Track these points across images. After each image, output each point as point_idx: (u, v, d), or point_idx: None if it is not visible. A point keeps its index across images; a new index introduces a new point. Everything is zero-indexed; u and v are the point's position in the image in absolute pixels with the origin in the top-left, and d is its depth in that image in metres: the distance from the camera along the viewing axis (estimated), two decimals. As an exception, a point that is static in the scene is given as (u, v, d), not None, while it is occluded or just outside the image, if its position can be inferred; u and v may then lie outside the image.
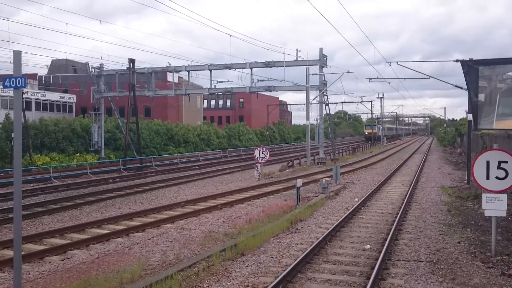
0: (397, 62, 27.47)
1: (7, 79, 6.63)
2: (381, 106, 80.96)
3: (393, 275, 9.08)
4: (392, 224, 13.28)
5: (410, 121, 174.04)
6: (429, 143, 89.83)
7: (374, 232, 12.84)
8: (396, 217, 14.37)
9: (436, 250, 10.86)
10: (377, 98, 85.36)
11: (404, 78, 36.74)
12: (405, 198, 18.32)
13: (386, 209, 16.55)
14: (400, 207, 16.10)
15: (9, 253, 11.11)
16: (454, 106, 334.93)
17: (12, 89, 6.63)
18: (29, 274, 9.29)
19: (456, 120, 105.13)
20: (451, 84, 26.00)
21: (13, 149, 6.64)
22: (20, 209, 6.72)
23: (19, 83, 6.55)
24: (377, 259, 9.65)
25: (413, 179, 24.98)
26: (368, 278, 8.54)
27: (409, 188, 21.21)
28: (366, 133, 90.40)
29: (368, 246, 11.21)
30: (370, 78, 38.41)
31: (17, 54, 6.64)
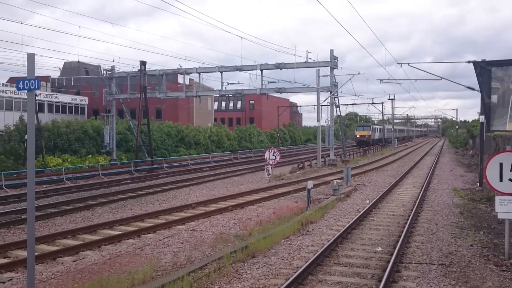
0: (408, 64, 27.33)
1: (21, 81, 6.71)
2: (392, 108, 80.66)
3: (405, 277, 9.02)
4: (404, 227, 13.19)
5: (421, 123, 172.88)
6: (441, 145, 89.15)
7: (385, 234, 12.77)
8: (407, 219, 14.28)
9: (448, 253, 10.76)
10: (388, 99, 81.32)
11: (416, 80, 36.80)
12: (416, 200, 18.18)
13: (397, 211, 16.45)
14: (412, 209, 15.99)
15: (22, 253, 11.22)
16: (466, 108, 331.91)
17: (26, 91, 6.70)
18: (42, 274, 9.37)
19: (468, 121, 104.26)
20: (463, 85, 25.80)
21: (27, 150, 6.71)
22: (33, 210, 6.79)
23: (32, 85, 6.62)
24: (388, 262, 9.59)
25: (425, 181, 24.80)
26: (380, 281, 8.49)
27: (421, 190, 21.05)
28: (358, 135, 71.06)
29: (380, 249, 11.15)
30: (381, 80, 38.32)
31: (31, 57, 6.71)
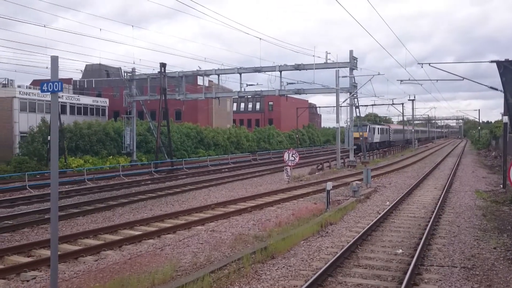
0: (429, 64, 27.00)
1: (45, 84, 6.83)
2: (413, 109, 79.50)
3: (426, 280, 8.91)
4: (425, 229, 13.02)
5: (442, 124, 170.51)
6: (463, 146, 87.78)
7: (406, 236, 12.63)
8: (428, 221, 14.09)
9: (471, 256, 10.59)
10: (408, 100, 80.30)
11: (437, 80, 36.21)
12: (438, 202, 17.94)
13: (418, 213, 16.25)
14: (433, 212, 15.78)
15: (45, 252, 11.41)
16: (488, 108, 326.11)
17: (49, 93, 6.82)
18: (65, 273, 9.51)
19: (491, 122, 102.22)
20: (486, 85, 25.34)
21: (50, 151, 6.83)
22: (56, 210, 6.90)
23: (56, 88, 6.73)
24: (409, 264, 9.48)
25: (446, 183, 24.44)
26: (401, 283, 8.40)
27: (442, 192, 20.76)
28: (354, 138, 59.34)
29: (400, 251, 11.03)
30: (401, 80, 37.89)
31: (54, 60, 6.84)
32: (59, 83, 6.72)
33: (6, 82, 46.14)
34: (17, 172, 30.18)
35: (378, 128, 58.28)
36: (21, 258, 11.12)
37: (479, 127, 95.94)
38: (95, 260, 10.76)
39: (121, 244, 12.18)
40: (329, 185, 16.80)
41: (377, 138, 59.06)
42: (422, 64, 28.10)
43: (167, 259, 10.31)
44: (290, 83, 37.98)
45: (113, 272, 9.41)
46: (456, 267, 9.75)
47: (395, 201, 17.95)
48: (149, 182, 27.82)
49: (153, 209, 18.00)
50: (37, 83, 50.98)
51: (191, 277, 8.58)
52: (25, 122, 42.57)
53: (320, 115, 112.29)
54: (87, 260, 10.81)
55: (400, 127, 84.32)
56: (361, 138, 47.15)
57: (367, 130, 54.12)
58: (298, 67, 36.17)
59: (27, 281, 9.29)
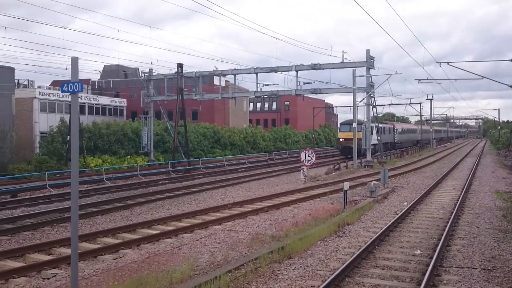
0: (447, 63, 26.72)
1: (65, 84, 6.94)
2: (431, 108, 78.68)
3: (445, 282, 8.82)
4: (444, 230, 12.88)
5: (461, 123, 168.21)
6: (482, 146, 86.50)
7: (424, 237, 12.50)
8: (447, 222, 13.94)
9: (491, 257, 10.44)
10: (426, 99, 79.07)
11: (455, 79, 35.67)
12: (457, 202, 17.72)
13: (436, 213, 16.08)
14: (452, 212, 15.60)
15: (65, 251, 11.58)
16: (509, 108, 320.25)
17: (70, 93, 6.93)
18: (84, 271, 9.64)
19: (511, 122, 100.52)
20: (506, 84, 24.96)
21: (70, 151, 6.94)
22: (77, 209, 7.01)
23: (76, 88, 6.84)
24: (428, 265, 9.39)
25: (465, 183, 24.12)
26: (419, 284, 8.33)
27: (461, 193, 20.50)
28: (341, 139, 47.88)
29: (419, 252, 10.93)
30: (419, 80, 37.51)
31: (74, 60, 6.94)
32: (79, 83, 6.82)
33: (27, 83, 46.94)
34: (38, 171, 30.68)
35: (377, 127, 46.89)
36: (41, 256, 11.30)
37: (499, 127, 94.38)
38: (114, 259, 10.88)
39: (139, 243, 12.30)
40: (346, 185, 16.73)
41: (373, 139, 45.91)
42: (440, 63, 27.84)
43: (185, 258, 10.38)
44: (306, 83, 37.89)
45: (131, 270, 9.51)
46: (476, 268, 9.62)
47: (413, 202, 17.79)
48: (167, 181, 28.03)
49: (171, 208, 18.14)
50: (57, 84, 51.75)
51: (208, 276, 8.63)
52: (45, 122, 43.23)
53: (337, 114, 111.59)
54: (106, 259, 10.94)
55: (410, 126, 76.29)
56: (352, 140, 38.58)
57: (363, 131, 42.93)
58: (314, 67, 36.04)
59: (48, 278, 9.45)
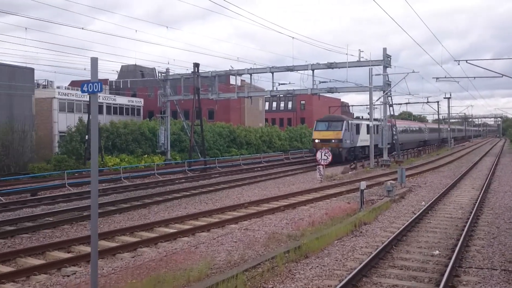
0: (466, 61, 26.44)
1: (85, 84, 7.04)
2: (448, 107, 77.72)
3: (464, 282, 8.72)
4: (463, 230, 12.73)
5: (479, 122, 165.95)
6: (501, 145, 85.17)
7: (442, 237, 12.38)
8: (466, 222, 13.77)
9: None
10: (444, 98, 78.03)
11: (474, 77, 35.20)
12: (476, 202, 17.49)
13: (455, 213, 15.90)
14: (471, 212, 15.40)
15: (84, 249, 11.75)
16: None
17: (89, 93, 7.03)
18: (103, 269, 9.76)
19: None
20: (527, 82, 24.56)
21: (90, 150, 7.05)
22: (96, 208, 7.10)
23: (95, 88, 6.93)
24: (447, 266, 9.29)
25: (485, 183, 23.79)
26: (438, 285, 8.25)
27: (480, 192, 20.22)
28: (316, 140, 38.96)
29: (437, 252, 10.82)
30: (437, 78, 37.17)
31: (94, 61, 7.04)
32: (99, 83, 6.91)
33: (46, 84, 47.68)
34: (57, 170, 31.14)
35: (363, 125, 40.96)
36: (61, 253, 11.47)
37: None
38: (132, 257, 11.00)
39: (157, 242, 12.41)
40: (362, 185, 16.63)
41: (357, 140, 40.86)
42: (458, 61, 27.50)
43: (202, 257, 10.44)
44: (322, 82, 37.74)
45: (149, 268, 9.61)
46: (496, 269, 9.49)
47: (430, 201, 17.62)
48: (183, 180, 28.20)
49: (187, 207, 18.25)
50: (75, 84, 52.41)
51: (225, 275, 8.67)
52: (63, 122, 43.87)
53: (353, 113, 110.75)
54: (124, 257, 11.06)
55: (413, 124, 69.23)
56: (333, 141, 35.76)
57: (342, 128, 37.85)
58: (330, 66, 35.89)
59: (68, 276, 9.58)
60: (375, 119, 42.36)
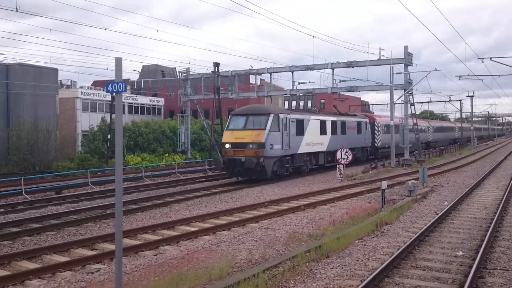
0: (490, 58, 25.96)
1: (110, 84, 7.15)
2: (471, 105, 76.27)
3: (489, 284, 8.59)
4: (487, 230, 12.53)
5: (504, 121, 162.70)
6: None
7: (466, 238, 12.21)
8: (490, 222, 13.54)
9: (537, 260, 10.09)
10: (467, 96, 76.92)
11: (498, 75, 34.60)
12: (500, 202, 17.18)
13: (479, 214, 15.65)
14: (495, 212, 15.15)
15: (107, 246, 11.94)
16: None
17: (114, 93, 7.14)
18: (126, 267, 9.90)
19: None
20: (553, 80, 24.03)
21: (113, 149, 7.15)
22: (121, 206, 7.21)
23: (120, 88, 7.04)
24: (471, 267, 9.16)
25: (509, 183, 23.32)
26: (462, 287, 8.15)
27: (505, 192, 19.85)
28: (227, 144, 25.43)
29: (461, 253, 10.68)
30: (460, 76, 36.64)
31: (118, 61, 7.15)
32: (123, 83, 7.02)
33: (70, 84, 48.51)
34: (80, 169, 31.68)
35: (310, 122, 30.25)
36: (85, 251, 11.67)
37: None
38: (154, 255, 11.13)
39: (178, 240, 12.52)
40: (384, 184, 16.50)
41: (309, 144, 29.14)
42: (482, 58, 27.03)
43: (223, 255, 10.51)
44: (342, 81, 37.53)
45: (171, 266, 9.72)
46: (521, 271, 9.32)
47: (453, 201, 17.38)
48: (204, 179, 28.35)
49: (208, 206, 18.37)
50: (98, 84, 53.18)
51: (246, 274, 8.71)
52: (86, 121, 44.61)
53: (373, 112, 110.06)
54: (146, 255, 11.20)
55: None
56: (250, 146, 24.06)
57: (267, 126, 24.83)
58: (350, 64, 35.67)
59: (92, 273, 9.74)
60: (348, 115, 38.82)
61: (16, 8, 20.59)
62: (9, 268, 10.35)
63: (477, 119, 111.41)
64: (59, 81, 44.88)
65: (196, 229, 13.77)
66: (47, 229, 14.01)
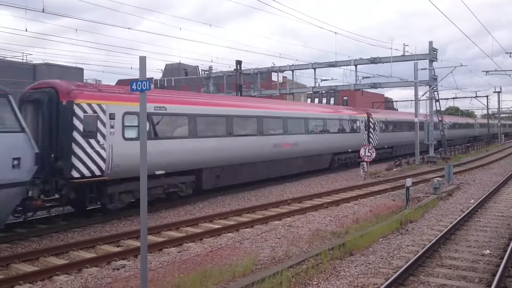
0: (518, 53, 25.29)
1: (134, 83, 7.24)
2: (499, 101, 74.51)
3: (517, 283, 8.41)
4: (515, 229, 12.27)
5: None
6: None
7: (493, 236, 11.97)
8: (519, 221, 13.26)
9: None
10: (494, 92, 75.30)
11: (527, 70, 33.65)
12: (529, 200, 16.80)
13: (506, 212, 15.32)
14: (524, 211, 14.82)
15: (132, 243, 12.11)
16: None
17: (139, 91, 7.22)
18: (151, 263, 10.02)
19: None
20: None
21: (140, 147, 7.24)
22: (145, 203, 7.30)
23: (144, 86, 7.12)
24: (498, 266, 8.99)
25: (538, 180, 22.79)
26: (489, 286, 8.01)
27: (534, 190, 19.40)
28: None
29: (488, 251, 10.48)
30: (486, 71, 35.90)
31: (143, 60, 7.23)
32: (147, 82, 7.09)
33: (95, 83, 49.26)
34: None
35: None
36: (111, 247, 11.86)
37: None
38: (178, 252, 11.24)
39: (202, 237, 12.62)
40: (408, 182, 16.30)
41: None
42: (510, 53, 26.40)
43: (246, 252, 10.55)
44: (365, 77, 37.20)
45: (195, 263, 9.79)
46: (551, 270, 9.10)
47: (480, 199, 17.06)
48: (226, 177, 28.40)
49: (231, 203, 18.43)
50: (122, 83, 53.87)
51: (270, 271, 8.73)
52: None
53: (397, 109, 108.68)
54: (171, 252, 11.32)
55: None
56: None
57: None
58: (374, 61, 35.29)
59: (117, 269, 9.90)
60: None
61: (43, 9, 20.99)
62: (38, 264, 10.60)
63: (504, 115, 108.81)
64: (84, 80, 45.61)
65: (219, 226, 13.85)
66: (74, 226, 14.27)
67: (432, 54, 34.45)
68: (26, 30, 25.39)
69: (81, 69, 42.55)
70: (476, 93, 66.56)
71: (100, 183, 14.51)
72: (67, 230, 13.81)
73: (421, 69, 35.09)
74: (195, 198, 19.47)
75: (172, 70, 65.90)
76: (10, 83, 23.77)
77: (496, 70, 37.16)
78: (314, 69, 37.56)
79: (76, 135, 13.57)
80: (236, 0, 48.98)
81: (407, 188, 16.11)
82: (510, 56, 26.50)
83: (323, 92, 64.26)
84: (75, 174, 13.48)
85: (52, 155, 13.34)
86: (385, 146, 36.36)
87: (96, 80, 49.19)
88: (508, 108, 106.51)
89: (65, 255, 11.22)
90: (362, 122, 32.05)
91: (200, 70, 46.14)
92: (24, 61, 39.50)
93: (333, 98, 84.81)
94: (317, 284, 8.46)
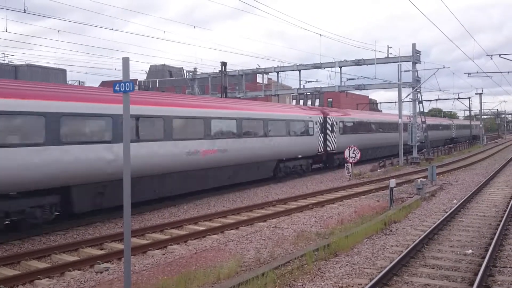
0: (499, 55, 25.78)
1: (117, 84, 7.17)
2: (480, 103, 75.69)
3: (499, 282, 8.52)
4: (496, 229, 12.43)
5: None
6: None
7: (476, 236, 12.12)
8: (500, 221, 13.45)
9: (548, 258, 10.00)
10: (475, 94, 76.20)
11: (508, 72, 34.31)
12: (510, 200, 17.07)
13: (488, 212, 15.54)
14: (505, 210, 15.03)
15: (116, 246, 11.98)
16: None
17: (122, 93, 7.15)
18: (135, 266, 9.93)
19: None
20: None
21: (123, 149, 7.17)
22: (129, 205, 7.23)
23: (127, 88, 7.05)
24: (480, 265, 9.10)
25: (519, 181, 23.16)
26: (472, 285, 8.10)
27: (515, 190, 19.70)
28: None
29: (470, 251, 10.61)
30: (469, 73, 36.42)
31: (126, 61, 7.16)
32: (131, 83, 7.03)
33: (78, 84, 48.73)
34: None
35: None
36: (94, 250, 11.73)
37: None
38: (162, 254, 11.16)
39: (187, 239, 12.54)
40: (392, 183, 16.44)
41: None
42: (491, 55, 26.85)
43: (231, 254, 10.52)
44: (350, 79, 37.45)
45: (180, 266, 9.73)
46: (532, 269, 9.24)
47: (463, 199, 17.26)
48: (211, 179, 28.30)
49: (216, 205, 18.38)
50: (106, 84, 53.41)
51: (255, 273, 8.71)
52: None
53: (381, 110, 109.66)
54: (155, 254, 11.23)
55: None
56: None
57: None
58: (358, 62, 35.57)
59: (101, 272, 9.79)
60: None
61: (24, 10, 20.67)
62: (19, 268, 10.43)
63: (486, 116, 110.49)
64: (67, 82, 45.09)
65: (204, 228, 13.79)
66: (56, 229, 14.07)
67: (415, 56, 34.83)
68: (7, 31, 24.97)
69: (64, 70, 42.00)
70: (458, 95, 67.52)
71: None
72: (49, 233, 13.61)
73: (405, 71, 35.47)
74: (180, 199, 19.39)
75: (156, 71, 65.57)
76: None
77: (478, 72, 37.74)
78: (299, 70, 37.72)
79: None
80: (222, 2, 48.98)
81: (391, 189, 16.25)
82: (491, 58, 26.91)
83: (308, 93, 64.52)
84: None
85: None
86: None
87: (79, 82, 48.71)
88: (489, 109, 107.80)
89: (47, 259, 11.06)
90: (316, 123, 27.95)
91: (185, 71, 45.91)
92: (5, 62, 38.88)
93: (318, 100, 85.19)
94: (302, 285, 8.46)
